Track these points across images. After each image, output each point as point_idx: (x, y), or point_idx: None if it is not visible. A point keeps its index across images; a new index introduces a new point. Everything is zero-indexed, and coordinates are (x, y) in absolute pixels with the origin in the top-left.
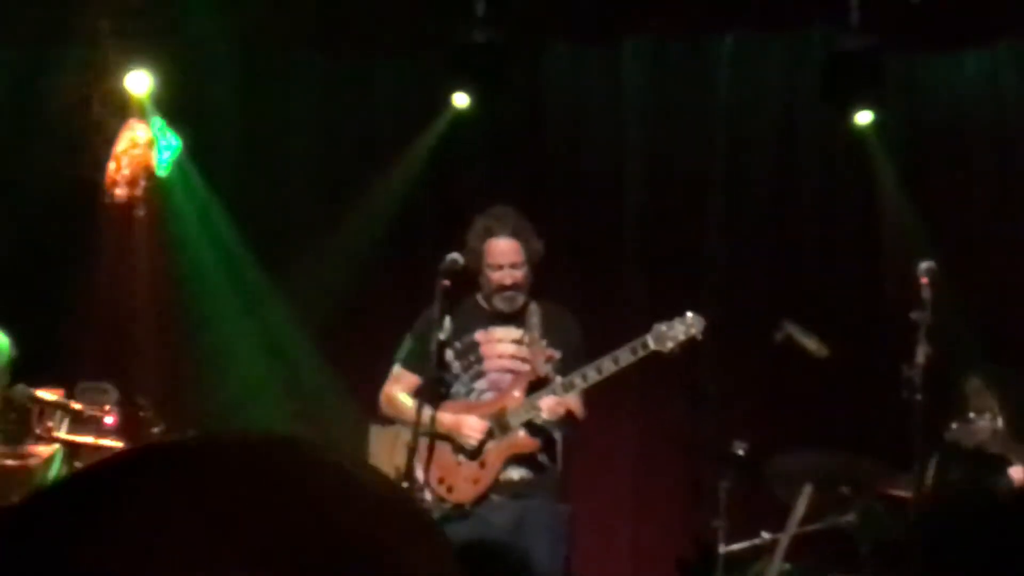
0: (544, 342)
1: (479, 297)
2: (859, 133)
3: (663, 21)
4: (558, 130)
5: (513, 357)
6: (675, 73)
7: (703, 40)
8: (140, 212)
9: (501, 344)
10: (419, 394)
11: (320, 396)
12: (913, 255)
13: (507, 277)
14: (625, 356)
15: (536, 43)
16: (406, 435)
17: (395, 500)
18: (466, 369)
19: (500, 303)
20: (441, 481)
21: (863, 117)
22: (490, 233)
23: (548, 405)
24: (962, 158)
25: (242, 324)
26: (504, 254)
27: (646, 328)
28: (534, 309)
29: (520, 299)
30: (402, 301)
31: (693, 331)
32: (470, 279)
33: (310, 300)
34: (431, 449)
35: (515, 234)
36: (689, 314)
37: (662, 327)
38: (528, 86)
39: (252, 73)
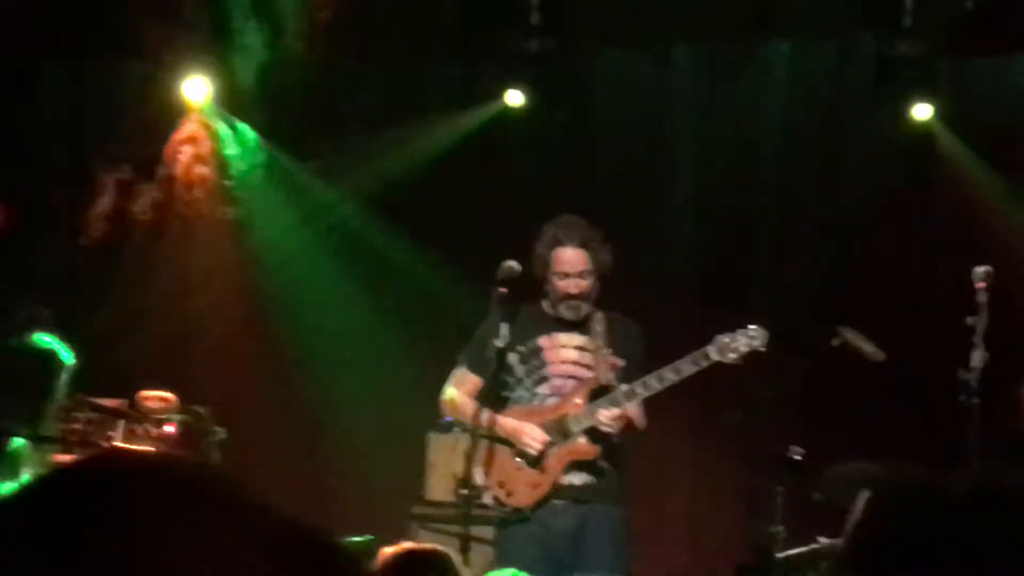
0: (608, 350)
1: (545, 303)
2: (921, 127)
3: (714, 28)
4: (610, 136)
5: (576, 363)
6: (727, 79)
7: (755, 46)
8: (210, 214)
9: (565, 350)
10: (479, 398)
11: (380, 404)
12: (969, 259)
13: (572, 286)
14: (687, 367)
15: (589, 51)
16: (464, 442)
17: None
18: (529, 374)
19: (565, 311)
20: (501, 485)
21: (922, 111)
22: (558, 242)
23: (606, 416)
24: (1017, 161)
25: (300, 336)
26: (571, 263)
27: (696, 334)
28: (599, 317)
29: (585, 308)
30: (458, 307)
31: (756, 343)
32: (536, 283)
33: (367, 305)
34: (490, 453)
35: (583, 244)
36: (752, 326)
37: (724, 338)
38: (581, 93)
39: (310, 81)
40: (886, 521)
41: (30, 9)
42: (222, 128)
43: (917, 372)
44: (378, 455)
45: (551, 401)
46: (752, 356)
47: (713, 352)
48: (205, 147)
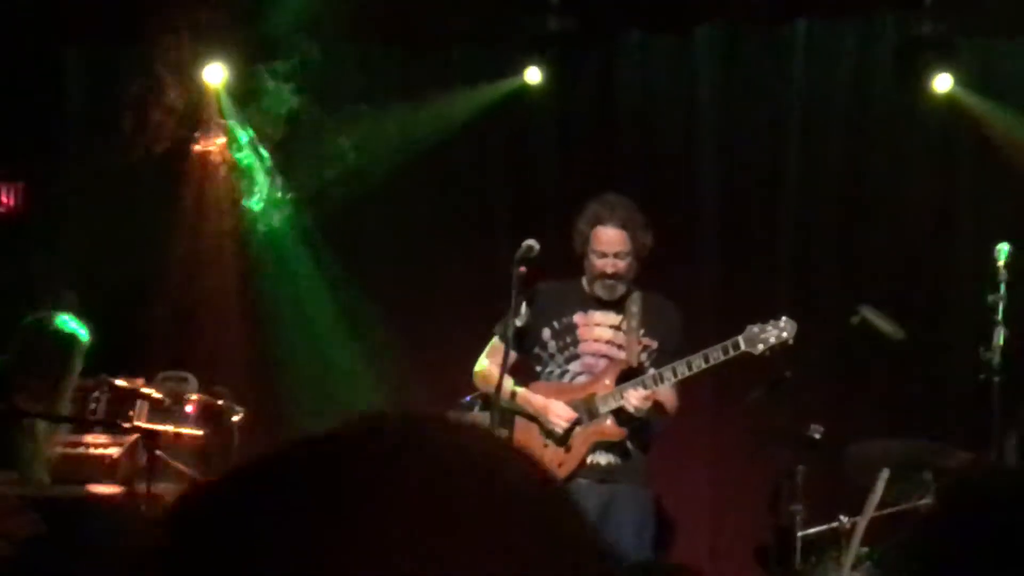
0: (642, 331)
1: (583, 280)
2: (943, 102)
3: (735, 8)
4: (631, 118)
5: (609, 343)
6: (747, 60)
7: (775, 26)
8: (220, 202)
9: (599, 328)
10: (511, 372)
11: (398, 382)
12: (990, 237)
13: (609, 266)
14: (716, 355)
15: (609, 31)
16: (483, 421)
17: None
18: (562, 350)
19: (600, 290)
20: None
21: (942, 82)
22: (599, 220)
23: (635, 398)
24: None
25: (320, 313)
26: (610, 243)
27: (719, 315)
28: (636, 298)
29: (620, 288)
30: (478, 285)
31: (785, 335)
32: (578, 261)
33: (386, 284)
34: (517, 428)
35: (623, 225)
36: (783, 318)
37: (755, 329)
38: (601, 74)
39: (330, 62)
40: (964, 513)
41: None
42: (232, 119)
43: (938, 350)
44: None
45: (581, 379)
46: (781, 348)
47: (743, 342)
48: (217, 137)
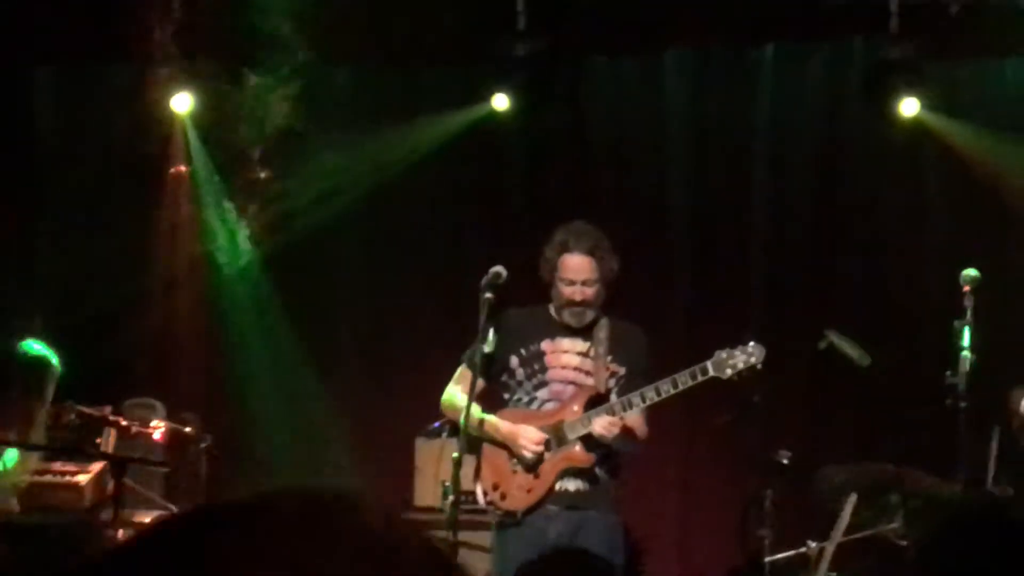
0: (609, 358)
1: (550, 307)
2: (910, 126)
3: (704, 32)
4: (601, 142)
5: (577, 369)
6: (717, 84)
7: (744, 50)
8: (187, 230)
9: (567, 355)
10: (480, 399)
11: (367, 409)
12: (957, 261)
13: (577, 293)
14: (684, 380)
15: (578, 55)
16: (451, 448)
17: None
18: (529, 377)
19: (568, 317)
20: (496, 487)
21: (909, 106)
22: (566, 248)
23: (601, 424)
24: (1003, 165)
25: (288, 340)
26: (577, 271)
27: (689, 340)
28: (603, 324)
29: (589, 315)
30: (446, 312)
31: (753, 360)
32: (546, 288)
33: (354, 311)
34: (486, 454)
35: (590, 252)
36: (752, 343)
37: (723, 354)
38: (570, 98)
39: (296, 84)
40: (958, 551)
41: (24, 13)
42: (198, 153)
43: (905, 375)
44: (365, 460)
45: (549, 406)
46: (750, 373)
47: (711, 367)
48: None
